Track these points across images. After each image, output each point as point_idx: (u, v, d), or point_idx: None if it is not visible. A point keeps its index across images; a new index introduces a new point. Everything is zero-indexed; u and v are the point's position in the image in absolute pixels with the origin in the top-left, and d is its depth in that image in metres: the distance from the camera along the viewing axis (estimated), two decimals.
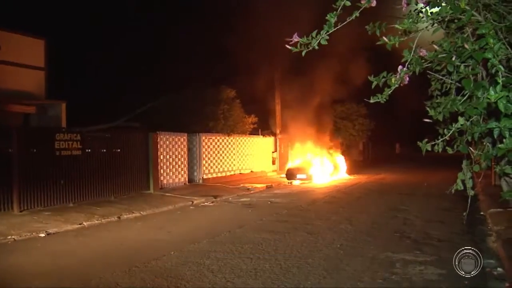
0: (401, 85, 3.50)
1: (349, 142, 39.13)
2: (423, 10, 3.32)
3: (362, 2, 3.35)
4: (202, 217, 14.14)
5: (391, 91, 3.51)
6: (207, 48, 28.54)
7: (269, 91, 32.05)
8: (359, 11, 3.40)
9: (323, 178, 27.48)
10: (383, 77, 3.55)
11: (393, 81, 3.46)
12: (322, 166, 28.73)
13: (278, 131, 32.64)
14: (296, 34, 3.50)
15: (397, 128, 61.08)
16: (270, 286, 6.90)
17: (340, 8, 3.40)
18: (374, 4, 3.36)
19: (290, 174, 26.54)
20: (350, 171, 31.65)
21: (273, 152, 32.53)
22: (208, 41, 27.94)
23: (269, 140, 32.36)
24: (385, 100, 3.56)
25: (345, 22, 3.49)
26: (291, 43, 3.54)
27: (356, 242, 9.74)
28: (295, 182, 25.81)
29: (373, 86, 3.63)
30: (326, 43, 3.51)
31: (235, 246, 9.46)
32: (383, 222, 12.25)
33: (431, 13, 3.24)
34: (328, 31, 3.47)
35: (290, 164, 29.98)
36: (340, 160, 31.61)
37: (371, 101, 3.61)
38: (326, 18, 3.44)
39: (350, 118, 39.10)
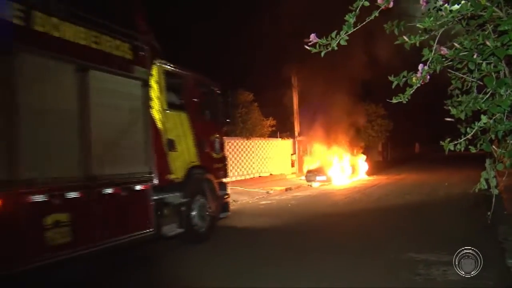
0: (423, 84, 3.46)
1: (368, 143, 38.91)
2: (443, 7, 3.29)
3: (380, 1, 3.32)
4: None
5: (413, 90, 3.47)
6: (224, 49, 28.65)
7: (287, 93, 32.03)
8: (378, 11, 3.34)
9: (343, 179, 27.36)
10: (404, 76, 3.51)
11: (414, 81, 3.42)
12: (342, 168, 28.61)
13: (296, 134, 32.58)
14: (314, 34, 3.45)
15: (416, 128, 60.65)
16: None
17: (358, 8, 3.34)
18: (391, 5, 3.33)
19: (310, 176, 26.43)
20: (370, 172, 31.47)
21: (292, 155, 32.50)
22: (224, 43, 28.03)
23: (288, 142, 32.34)
24: (407, 100, 3.52)
25: (364, 22, 3.42)
26: (310, 44, 3.48)
27: (377, 243, 9.69)
28: (315, 184, 25.72)
29: (393, 86, 3.57)
30: (346, 44, 3.46)
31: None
32: (404, 222, 12.16)
33: (450, 10, 3.20)
34: (347, 32, 3.41)
35: (309, 166, 29.89)
36: (359, 161, 31.46)
37: (393, 101, 3.57)
38: (345, 18, 3.39)
39: (369, 119, 38.91)
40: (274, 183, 26.10)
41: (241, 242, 10.58)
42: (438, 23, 3.25)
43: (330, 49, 3.48)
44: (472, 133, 3.39)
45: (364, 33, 3.72)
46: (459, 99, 3.77)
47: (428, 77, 3.43)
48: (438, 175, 28.25)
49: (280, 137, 31.10)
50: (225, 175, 12.42)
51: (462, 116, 3.51)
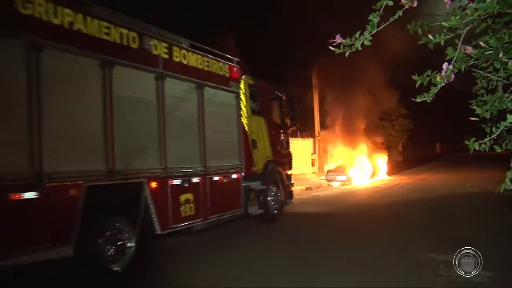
0: (447, 83, 3.43)
1: (388, 143, 38.62)
2: (468, 6, 3.25)
3: (403, 1, 3.30)
4: None
5: (437, 89, 3.44)
6: (244, 48, 28.66)
7: (308, 93, 31.92)
8: (402, 10, 3.35)
9: (363, 179, 27.25)
10: (427, 75, 3.48)
11: (438, 80, 3.39)
12: (362, 168, 28.48)
13: (317, 133, 32.45)
14: (339, 35, 3.48)
15: (437, 128, 60.15)
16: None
17: (382, 8, 3.35)
18: (415, 4, 3.30)
19: (330, 176, 26.34)
20: (391, 172, 31.29)
21: (312, 154, 32.37)
22: (243, 42, 28.02)
23: (308, 142, 32.23)
24: (431, 99, 3.50)
25: (388, 22, 3.42)
26: (334, 44, 3.51)
27: (399, 243, 9.62)
28: (335, 184, 25.64)
29: (417, 85, 3.56)
30: (370, 44, 3.48)
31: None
32: (425, 223, 12.03)
33: (476, 9, 3.17)
34: (371, 32, 3.42)
35: (330, 166, 29.79)
36: (380, 161, 31.29)
37: (418, 99, 3.55)
38: (369, 18, 3.39)
39: (389, 119, 38.61)
40: (294, 182, 25.92)
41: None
42: (463, 21, 3.22)
43: (354, 49, 3.49)
44: (497, 133, 3.35)
45: (386, 32, 3.67)
46: (484, 98, 3.74)
47: (453, 76, 3.40)
48: (459, 175, 27.97)
49: (300, 137, 30.99)
50: (290, 168, 14.87)
51: (487, 116, 3.47)
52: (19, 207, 5.67)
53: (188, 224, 9.03)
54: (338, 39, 3.48)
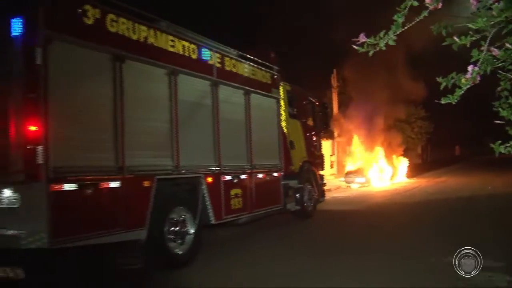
0: (472, 84, 3.38)
1: (407, 145, 38.36)
2: (493, 6, 3.20)
3: (428, 1, 3.26)
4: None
5: (463, 91, 3.40)
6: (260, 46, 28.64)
7: (327, 94, 31.83)
8: (427, 11, 3.30)
9: (382, 181, 27.17)
10: (452, 78, 3.44)
11: (463, 82, 3.35)
12: (381, 170, 28.41)
13: (336, 134, 32.35)
14: (363, 34, 3.44)
15: (457, 130, 59.57)
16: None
17: (407, 8, 3.31)
18: (440, 6, 3.29)
19: (349, 178, 26.32)
20: (410, 174, 31.15)
21: (330, 156, 32.33)
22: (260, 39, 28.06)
23: (327, 143, 32.15)
24: (456, 101, 3.46)
25: (413, 23, 3.38)
26: (358, 43, 3.47)
27: (419, 246, 9.49)
28: (354, 186, 25.64)
29: (441, 88, 3.49)
30: (394, 44, 3.44)
31: None
32: (446, 225, 11.85)
33: (501, 10, 3.12)
34: (395, 32, 3.39)
35: (348, 168, 29.70)
36: (399, 163, 31.11)
37: (442, 102, 3.52)
38: (394, 18, 3.36)
39: (408, 121, 38.39)
40: None
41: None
42: (491, 23, 3.18)
43: (378, 49, 3.47)
44: None
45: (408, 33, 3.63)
46: (509, 100, 3.68)
47: (479, 78, 3.37)
48: (480, 178, 27.69)
49: None
50: (323, 168, 16.18)
51: None
52: (106, 194, 6.67)
53: (237, 216, 9.97)
54: (362, 38, 3.44)
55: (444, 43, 3.45)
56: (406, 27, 3.38)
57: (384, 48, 3.46)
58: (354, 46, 3.50)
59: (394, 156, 31.72)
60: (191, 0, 25.33)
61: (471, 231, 10.65)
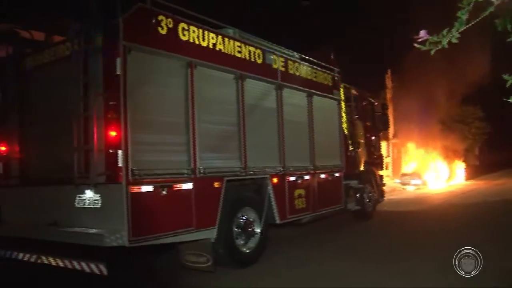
0: None
1: (464, 146, 37.57)
2: None
3: None
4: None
5: None
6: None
7: (381, 94, 31.53)
8: (493, 6, 3.21)
9: (439, 183, 26.78)
10: None
11: None
12: (438, 172, 28.00)
13: (391, 136, 32.05)
14: (425, 31, 3.40)
15: None
16: None
17: (471, 4, 3.25)
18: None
19: (404, 180, 26.08)
20: (467, 176, 30.53)
21: (385, 157, 31.93)
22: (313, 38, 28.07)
23: (382, 145, 31.85)
24: None
25: (478, 19, 3.30)
26: (419, 40, 3.40)
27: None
28: (409, 188, 25.39)
29: (507, 85, 3.38)
30: (457, 42, 3.37)
31: None
32: (507, 230, 11.59)
33: None
34: (459, 29, 3.32)
35: (404, 170, 29.41)
36: (456, 165, 30.59)
37: (511, 100, 3.50)
38: (457, 15, 3.30)
39: (465, 121, 37.54)
40: None
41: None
42: None
43: (440, 47, 3.41)
44: None
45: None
46: None
47: None
48: None
49: None
50: (382, 169, 16.41)
51: None
52: (180, 195, 6.96)
53: (300, 216, 10.13)
54: (424, 35, 3.40)
55: (509, 39, 3.43)
56: (470, 24, 3.31)
57: (446, 46, 3.40)
58: (415, 45, 3.44)
59: (451, 158, 31.18)
60: (248, 5, 25.57)
61: None
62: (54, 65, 7.41)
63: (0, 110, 8.25)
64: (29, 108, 7.88)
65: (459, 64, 28.30)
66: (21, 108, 7.96)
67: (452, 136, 33.96)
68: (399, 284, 7.12)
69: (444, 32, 3.36)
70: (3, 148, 8.13)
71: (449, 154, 31.45)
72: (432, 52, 3.47)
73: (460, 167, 31.19)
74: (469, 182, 28.86)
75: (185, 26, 7.30)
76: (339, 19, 28.48)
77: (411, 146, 31.58)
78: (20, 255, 7.21)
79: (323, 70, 11.62)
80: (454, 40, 3.37)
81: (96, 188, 6.45)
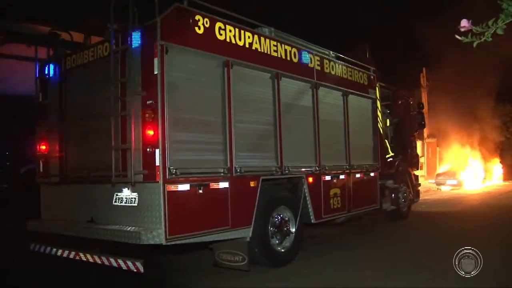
0: None
1: (502, 146, 36.83)
2: None
3: None
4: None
5: None
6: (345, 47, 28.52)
7: (415, 93, 31.16)
8: None
9: (475, 184, 26.34)
10: None
11: None
12: (474, 172, 27.53)
13: (425, 135, 31.65)
14: (469, 21, 3.18)
15: None
16: None
17: None
18: None
19: (439, 180, 25.75)
20: (505, 176, 29.94)
21: (420, 157, 31.57)
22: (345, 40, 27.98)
23: (417, 144, 31.51)
24: None
25: None
26: (462, 30, 3.20)
27: (503, 254, 8.85)
28: (444, 188, 25.05)
29: None
30: (502, 33, 3.19)
31: None
32: None
33: None
34: (505, 21, 3.15)
35: (439, 170, 29.02)
36: (493, 165, 30.05)
37: None
38: (503, 7, 3.15)
39: (503, 120, 36.78)
40: None
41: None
42: None
43: (483, 39, 3.22)
44: None
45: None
46: None
47: None
48: None
49: None
50: (417, 169, 16.12)
51: None
52: (216, 194, 7.01)
53: (336, 215, 10.08)
54: (467, 24, 3.18)
55: None
56: None
57: (490, 39, 3.21)
58: (457, 36, 3.26)
59: (487, 158, 30.63)
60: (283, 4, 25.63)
61: None
62: (92, 65, 7.51)
63: (40, 110, 8.42)
64: (68, 108, 7.99)
65: (497, 61, 27.75)
66: (61, 108, 8.07)
67: (489, 135, 33.39)
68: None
69: (490, 22, 3.18)
70: (43, 147, 8.27)
71: (486, 154, 30.89)
72: (475, 44, 3.28)
73: (497, 167, 30.58)
74: (506, 183, 28.28)
75: (222, 26, 7.32)
76: (374, 17, 28.27)
77: (446, 146, 31.09)
78: (59, 252, 7.33)
79: (358, 68, 11.53)
80: (499, 32, 3.20)
81: (133, 187, 6.51)
